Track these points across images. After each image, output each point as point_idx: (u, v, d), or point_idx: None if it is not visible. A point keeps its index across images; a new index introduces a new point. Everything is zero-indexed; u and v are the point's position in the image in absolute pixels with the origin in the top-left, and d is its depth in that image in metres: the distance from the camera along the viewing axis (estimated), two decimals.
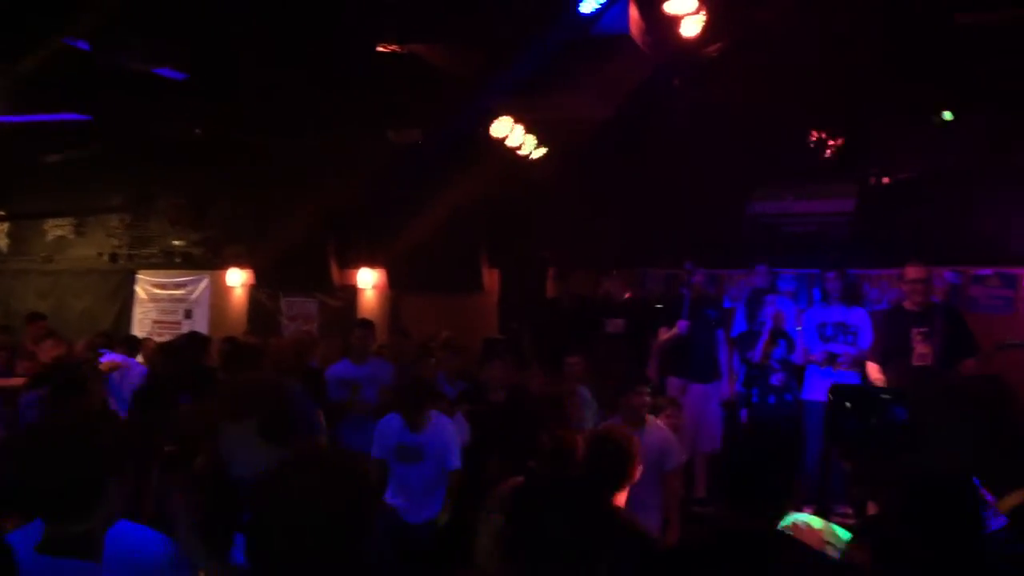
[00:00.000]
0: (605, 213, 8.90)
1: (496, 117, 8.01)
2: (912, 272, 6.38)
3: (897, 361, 6.12)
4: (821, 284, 7.77)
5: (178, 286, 12.03)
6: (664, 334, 7.49)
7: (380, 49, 7.20)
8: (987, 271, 7.89)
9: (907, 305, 6.42)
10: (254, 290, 11.40)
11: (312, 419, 2.56)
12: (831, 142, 8.09)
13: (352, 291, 10.84)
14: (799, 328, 7.26)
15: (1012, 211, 7.77)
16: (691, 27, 6.47)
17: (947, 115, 6.86)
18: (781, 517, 2.69)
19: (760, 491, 2.60)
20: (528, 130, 8.25)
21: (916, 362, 6.11)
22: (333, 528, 1.71)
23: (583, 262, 9.34)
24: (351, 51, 7.10)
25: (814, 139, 8.09)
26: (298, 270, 10.66)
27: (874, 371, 6.41)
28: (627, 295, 8.25)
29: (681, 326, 7.34)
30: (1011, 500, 1.78)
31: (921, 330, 6.17)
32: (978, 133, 7.51)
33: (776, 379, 6.99)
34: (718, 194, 8.75)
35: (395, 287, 10.60)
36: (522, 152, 8.36)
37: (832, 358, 6.93)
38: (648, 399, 5.40)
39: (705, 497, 6.97)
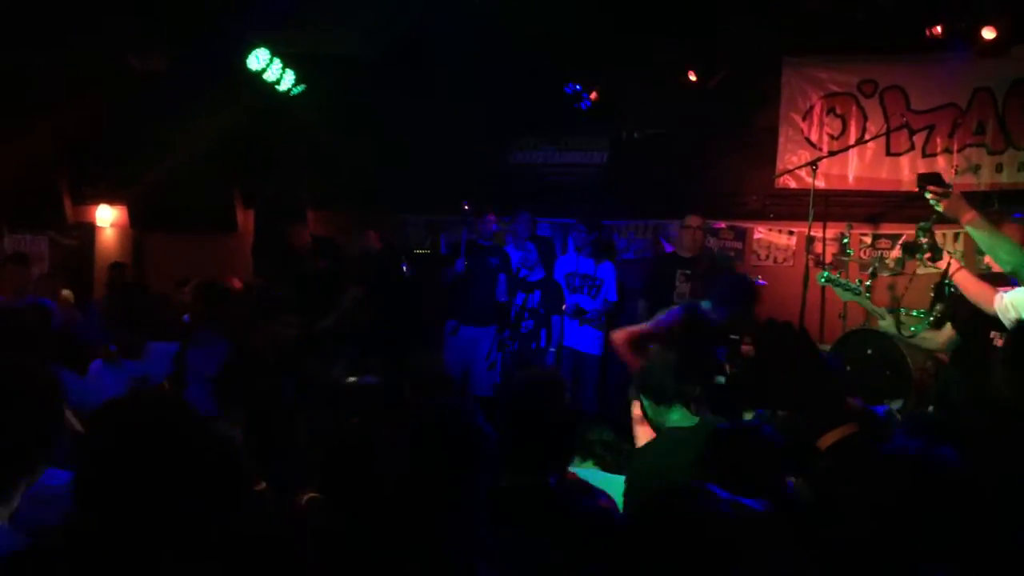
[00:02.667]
0: (366, 156, 8.72)
1: (252, 48, 7.57)
2: (693, 220, 7.14)
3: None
4: (575, 234, 8.03)
5: None
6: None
7: None
8: (721, 224, 8.52)
9: (678, 251, 7.16)
10: None
11: None
12: (588, 95, 8.34)
13: (89, 229, 9.96)
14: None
15: (745, 169, 8.41)
16: None
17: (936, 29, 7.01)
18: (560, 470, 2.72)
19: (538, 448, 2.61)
20: (287, 64, 7.87)
21: (676, 300, 6.55)
22: None
23: (342, 205, 9.14)
24: None
25: (571, 91, 8.28)
26: (25, 203, 9.61)
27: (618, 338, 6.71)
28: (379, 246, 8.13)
29: (458, 265, 7.35)
30: (830, 438, 1.89)
31: (685, 272, 6.84)
32: (719, 94, 8.01)
33: (525, 327, 7.18)
34: (481, 142, 8.83)
35: (138, 226, 9.86)
36: (280, 87, 7.97)
37: (580, 312, 7.22)
38: None
39: None
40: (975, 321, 4.43)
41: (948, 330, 4.68)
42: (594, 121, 8.56)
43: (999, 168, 7.36)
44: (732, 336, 3.37)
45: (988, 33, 6.50)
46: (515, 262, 7.53)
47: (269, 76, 7.72)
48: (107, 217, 9.97)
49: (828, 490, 2.07)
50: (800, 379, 1.95)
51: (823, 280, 5.64)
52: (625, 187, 8.34)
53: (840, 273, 6.47)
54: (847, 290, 5.33)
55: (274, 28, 7.37)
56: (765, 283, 6.88)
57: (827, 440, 1.88)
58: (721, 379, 3.49)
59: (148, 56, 8.30)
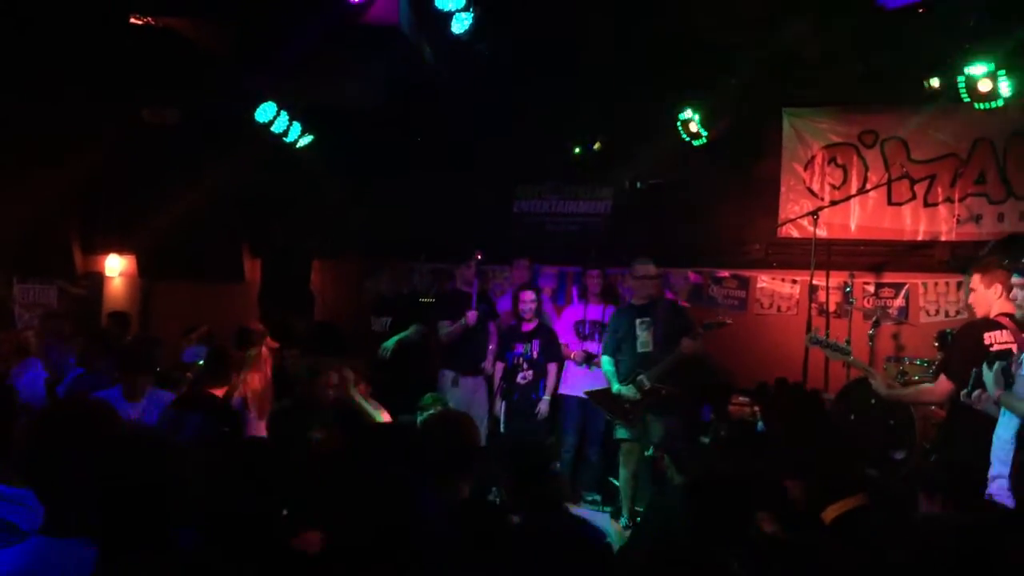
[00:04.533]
0: (373, 205, 8.82)
1: (261, 102, 7.69)
2: (642, 270, 6.79)
3: None
4: (580, 282, 8.07)
5: None
6: (446, 326, 7.45)
7: (134, 21, 6.74)
8: (725, 273, 8.55)
9: (634, 300, 6.86)
10: None
11: None
12: (591, 145, 8.45)
13: (98, 278, 10.04)
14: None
15: (748, 219, 8.46)
16: (460, 24, 6.56)
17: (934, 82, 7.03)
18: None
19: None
20: (294, 116, 7.99)
21: (639, 348, 6.57)
22: None
23: (349, 254, 9.22)
24: (100, 18, 6.60)
25: (576, 141, 8.39)
26: (35, 252, 9.71)
27: (605, 362, 6.77)
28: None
29: (471, 317, 7.34)
30: (835, 509, 1.81)
31: (643, 319, 6.64)
32: (721, 144, 8.09)
33: (522, 377, 7.18)
34: (485, 191, 8.92)
35: (146, 275, 9.94)
36: (287, 139, 8.09)
37: (589, 357, 7.22)
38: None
39: None
40: (969, 369, 4.44)
41: (945, 386, 4.65)
42: (597, 170, 8.65)
43: (1001, 218, 7.40)
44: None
45: (985, 85, 6.55)
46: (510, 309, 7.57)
47: (276, 128, 7.83)
48: (116, 266, 10.06)
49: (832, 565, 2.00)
50: (810, 445, 1.88)
51: (811, 343, 5.60)
52: (628, 236, 8.38)
53: (828, 335, 6.48)
54: (836, 351, 5.31)
55: (282, 81, 7.49)
56: (730, 322, 6.82)
57: (832, 512, 1.80)
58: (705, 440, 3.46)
59: (160, 109, 8.46)
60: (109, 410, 2.46)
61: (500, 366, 7.35)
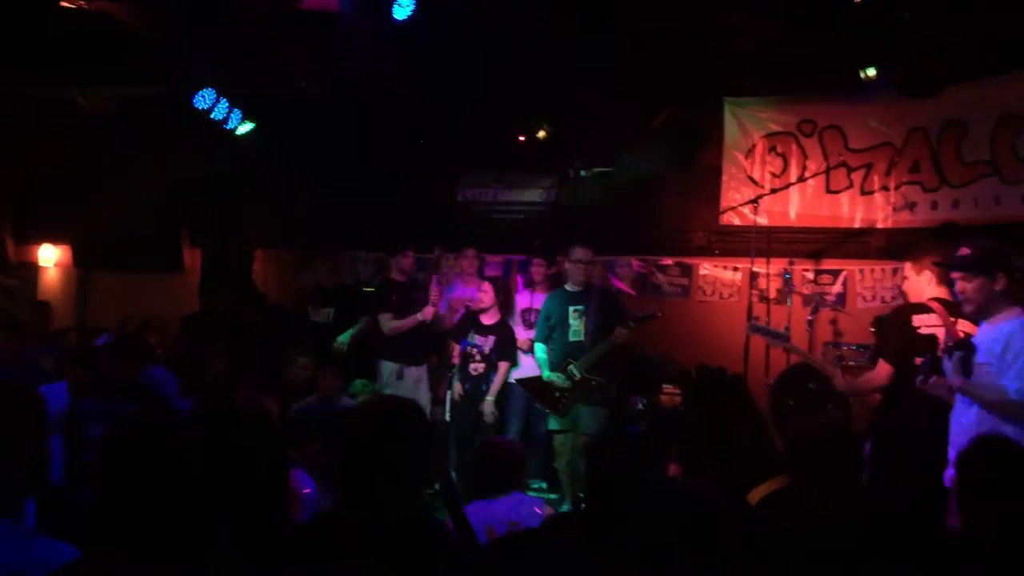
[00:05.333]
0: (316, 194, 8.72)
1: (199, 88, 7.55)
2: (578, 253, 6.74)
3: None
4: (526, 271, 8.06)
5: None
6: (389, 319, 7.40)
7: (65, 4, 6.56)
8: (669, 261, 8.64)
9: (568, 286, 6.82)
10: None
11: None
12: (535, 134, 8.45)
13: (32, 269, 9.80)
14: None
15: (690, 207, 8.55)
16: (402, 10, 6.51)
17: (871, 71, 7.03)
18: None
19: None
20: (234, 103, 7.86)
21: (571, 337, 6.58)
22: None
23: (292, 243, 9.13)
24: (29, 1, 6.41)
25: (520, 130, 8.38)
26: None
27: (538, 351, 6.76)
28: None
29: (427, 313, 7.29)
30: (758, 493, 1.84)
31: (577, 308, 6.63)
32: (665, 134, 8.17)
33: (474, 368, 7.17)
34: (429, 179, 8.88)
35: (82, 265, 9.73)
36: (227, 126, 7.96)
37: None
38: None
39: None
40: (904, 351, 4.57)
41: (885, 372, 4.77)
42: (541, 159, 8.66)
43: (934, 205, 7.56)
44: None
45: (919, 75, 6.70)
46: (472, 291, 7.54)
47: (216, 115, 7.70)
48: (51, 257, 9.84)
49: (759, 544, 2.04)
50: (732, 430, 1.90)
51: (751, 330, 5.74)
52: (573, 225, 8.41)
53: (768, 322, 6.60)
54: (775, 338, 5.44)
55: (221, 67, 7.36)
56: (660, 314, 6.81)
57: (757, 494, 1.85)
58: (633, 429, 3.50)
59: (95, 96, 8.25)
60: None
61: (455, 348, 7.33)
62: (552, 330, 6.70)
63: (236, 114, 7.92)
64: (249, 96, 7.95)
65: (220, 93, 7.64)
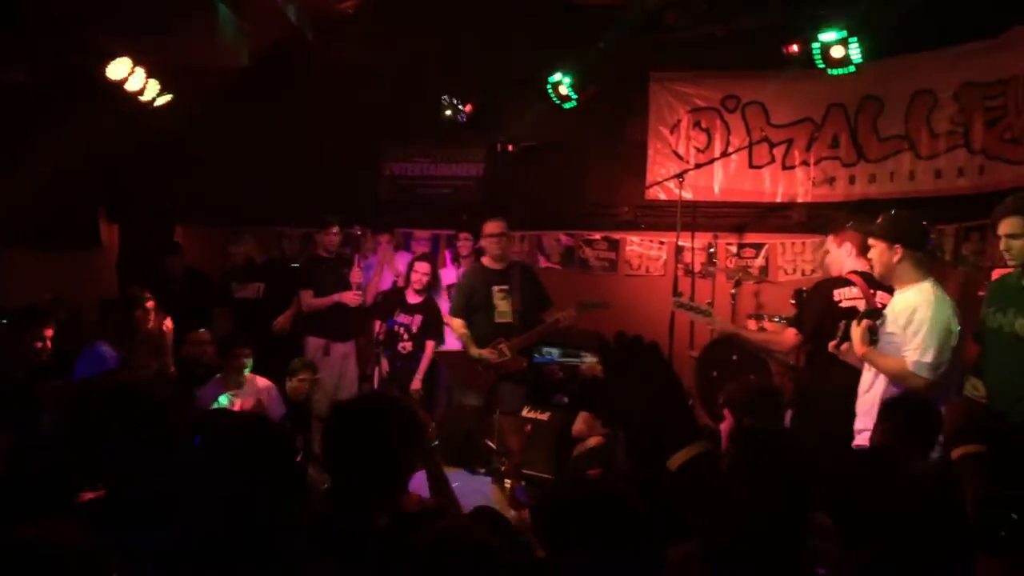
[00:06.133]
0: (238, 168, 8.53)
1: (113, 58, 7.28)
2: (492, 227, 6.67)
3: None
4: (453, 246, 8.04)
5: None
6: (309, 296, 7.32)
7: None
8: (596, 235, 8.69)
9: (486, 261, 6.75)
10: None
11: None
12: (462, 107, 8.38)
13: None
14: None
15: (617, 181, 8.61)
16: None
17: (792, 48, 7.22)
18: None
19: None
20: (151, 74, 7.60)
21: (498, 319, 6.54)
22: None
23: (214, 218, 8.92)
24: None
25: (446, 102, 8.30)
26: None
27: (458, 326, 6.69)
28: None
29: (350, 298, 7.21)
30: (680, 457, 1.85)
31: (501, 288, 6.58)
32: (592, 109, 8.18)
33: (402, 347, 7.14)
34: (355, 153, 8.76)
35: None
36: (144, 98, 7.69)
37: None
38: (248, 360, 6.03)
39: None
40: (820, 324, 4.69)
41: (792, 335, 4.93)
42: (469, 133, 8.59)
43: (852, 180, 7.74)
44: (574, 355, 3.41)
45: (838, 51, 6.82)
46: (390, 278, 7.53)
47: (131, 86, 7.43)
48: None
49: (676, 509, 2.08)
50: (651, 397, 1.88)
51: (676, 306, 5.87)
52: (500, 199, 8.39)
53: (693, 296, 6.73)
54: (699, 313, 5.58)
55: (137, 37, 7.11)
56: (611, 304, 7.01)
57: (677, 460, 1.85)
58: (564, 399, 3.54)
59: (6, 67, 7.90)
60: None
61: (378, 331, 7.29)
62: (475, 309, 6.60)
63: (153, 85, 7.65)
64: (168, 67, 7.70)
65: (136, 63, 7.38)
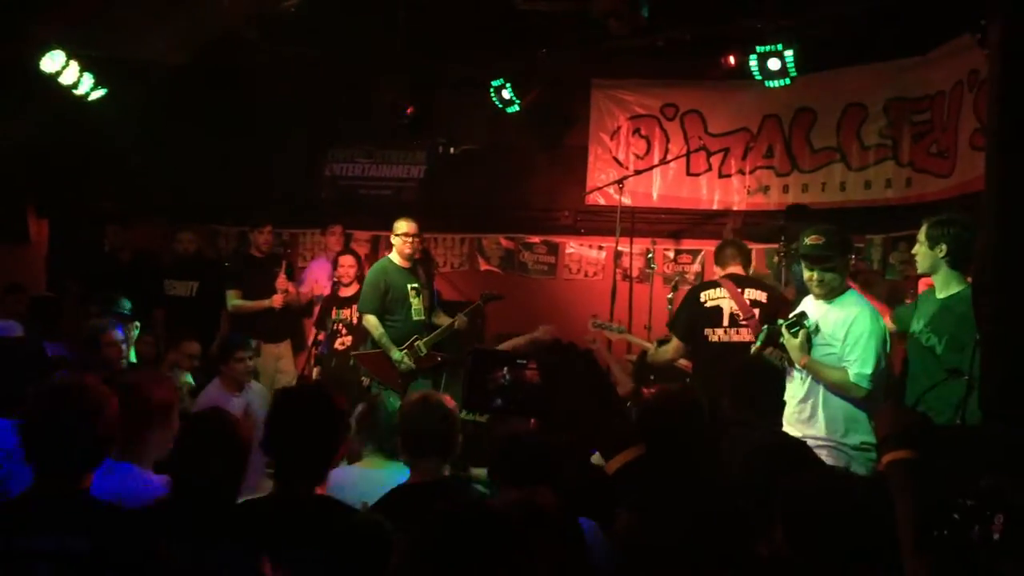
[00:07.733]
0: (175, 164, 8.38)
1: (46, 51, 7.09)
2: (403, 226, 6.58)
3: None
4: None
5: None
6: (235, 296, 7.23)
7: None
8: (536, 239, 8.76)
9: (397, 260, 6.61)
10: None
11: None
12: (405, 109, 8.36)
13: None
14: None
15: (558, 186, 8.68)
16: None
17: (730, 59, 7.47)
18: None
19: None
20: (85, 67, 7.43)
21: (414, 316, 6.53)
22: None
23: (148, 215, 8.75)
24: None
25: (388, 104, 8.28)
26: None
27: (375, 325, 6.51)
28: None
29: (277, 301, 7.14)
30: (616, 461, 1.88)
31: (414, 286, 6.57)
32: (534, 114, 8.24)
33: (341, 343, 7.10)
34: (295, 153, 8.69)
35: None
36: (78, 92, 7.51)
37: None
38: (251, 364, 5.82)
39: None
40: (691, 324, 5.28)
41: (675, 341, 5.45)
42: (411, 135, 8.58)
43: (786, 189, 7.94)
44: (519, 361, 3.44)
45: (774, 64, 6.98)
46: (328, 276, 7.49)
47: (65, 79, 7.25)
48: None
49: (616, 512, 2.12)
50: (587, 403, 1.93)
51: (593, 326, 6.35)
52: (441, 201, 8.41)
53: (631, 299, 7.38)
54: (612, 331, 6.29)
55: (72, 29, 6.95)
56: (504, 296, 7.15)
57: (615, 464, 1.89)
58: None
59: None
60: None
61: (316, 334, 7.24)
62: (392, 307, 6.51)
63: (88, 78, 7.48)
64: (103, 60, 7.53)
65: (70, 56, 7.21)
